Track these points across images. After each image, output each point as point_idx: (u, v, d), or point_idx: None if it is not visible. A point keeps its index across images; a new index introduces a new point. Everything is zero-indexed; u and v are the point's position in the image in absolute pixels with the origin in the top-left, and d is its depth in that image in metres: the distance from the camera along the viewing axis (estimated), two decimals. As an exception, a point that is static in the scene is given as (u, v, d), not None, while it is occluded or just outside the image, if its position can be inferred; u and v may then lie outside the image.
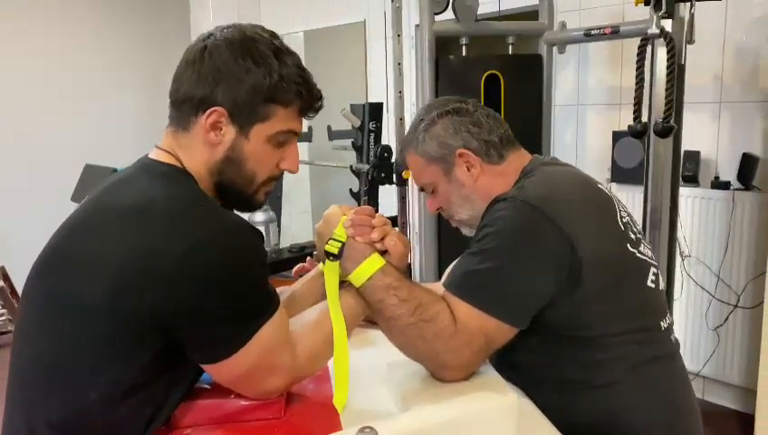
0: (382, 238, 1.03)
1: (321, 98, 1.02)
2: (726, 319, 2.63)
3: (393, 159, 2.66)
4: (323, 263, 1.04)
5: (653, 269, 1.11)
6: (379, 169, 2.65)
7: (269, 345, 0.90)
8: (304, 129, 1.17)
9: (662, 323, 1.11)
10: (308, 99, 1.00)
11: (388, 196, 2.88)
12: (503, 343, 1.03)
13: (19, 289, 2.88)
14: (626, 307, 1.06)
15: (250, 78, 0.93)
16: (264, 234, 1.03)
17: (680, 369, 1.15)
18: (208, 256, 0.84)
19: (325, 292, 1.01)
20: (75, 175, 3.87)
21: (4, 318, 3.52)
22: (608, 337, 1.04)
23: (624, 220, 1.11)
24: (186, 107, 0.96)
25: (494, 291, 1.00)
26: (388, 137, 3.19)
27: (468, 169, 1.18)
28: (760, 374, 2.22)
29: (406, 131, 1.30)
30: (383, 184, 2.69)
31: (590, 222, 1.06)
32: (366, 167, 2.69)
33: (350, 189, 2.91)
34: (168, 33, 4.92)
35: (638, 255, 1.09)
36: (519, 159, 1.21)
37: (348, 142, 2.82)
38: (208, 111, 0.94)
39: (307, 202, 4.72)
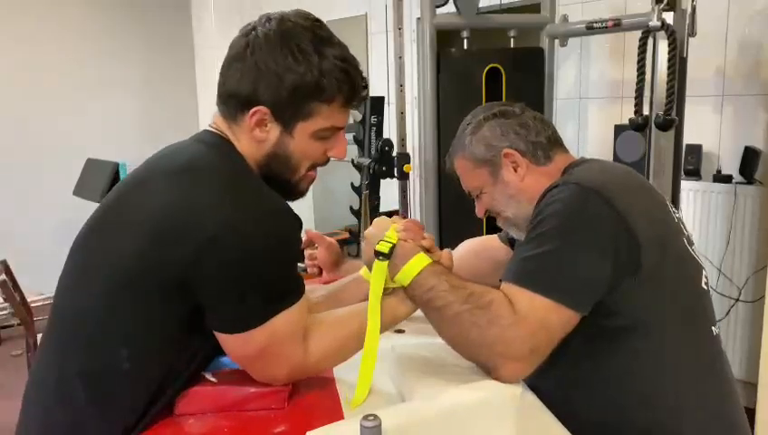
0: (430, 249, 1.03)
1: (365, 87, 1.02)
2: (728, 313, 2.63)
3: (394, 153, 2.65)
4: (370, 266, 1.04)
5: (705, 272, 1.10)
6: (380, 163, 2.65)
7: (282, 333, 0.91)
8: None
9: (714, 328, 1.08)
10: (350, 93, 0.99)
11: (389, 190, 2.88)
12: (564, 333, 0.95)
13: (21, 283, 2.89)
14: (678, 298, 1.02)
15: (290, 77, 0.94)
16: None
17: (734, 388, 1.09)
18: (247, 230, 0.86)
19: (362, 297, 1.02)
20: (77, 169, 3.87)
21: (6, 312, 3.51)
22: (655, 324, 0.99)
23: (677, 216, 1.10)
24: (232, 103, 0.98)
25: (554, 274, 0.96)
26: (390, 131, 3.19)
27: (515, 170, 1.17)
28: (761, 368, 2.22)
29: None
30: (384, 178, 2.69)
31: (645, 208, 1.03)
32: (367, 160, 2.69)
33: (352, 183, 2.90)
34: (170, 29, 4.92)
35: (693, 253, 1.08)
36: (565, 159, 1.19)
37: (349, 136, 2.82)
38: (252, 111, 0.96)
39: (309, 196, 4.69)
